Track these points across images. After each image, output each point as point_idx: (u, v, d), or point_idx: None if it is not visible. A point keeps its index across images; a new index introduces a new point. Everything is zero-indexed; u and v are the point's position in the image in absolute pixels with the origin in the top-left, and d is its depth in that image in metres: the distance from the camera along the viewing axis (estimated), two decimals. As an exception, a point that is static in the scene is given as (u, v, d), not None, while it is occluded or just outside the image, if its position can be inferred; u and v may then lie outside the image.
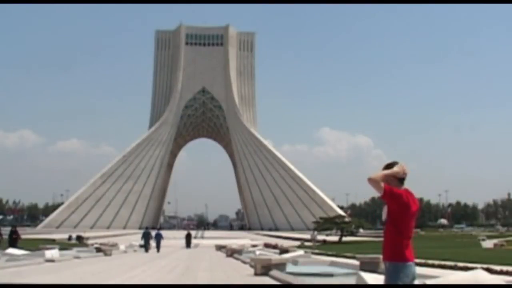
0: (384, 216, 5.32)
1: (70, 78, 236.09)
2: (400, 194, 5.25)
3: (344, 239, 56.69)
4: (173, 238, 55.40)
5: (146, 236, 40.12)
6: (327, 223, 63.17)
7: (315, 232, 52.40)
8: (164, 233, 45.15)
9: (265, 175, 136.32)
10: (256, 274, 16.62)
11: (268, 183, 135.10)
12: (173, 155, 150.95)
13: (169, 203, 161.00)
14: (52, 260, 22.61)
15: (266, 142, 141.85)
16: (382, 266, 16.68)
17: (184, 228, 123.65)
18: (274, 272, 15.92)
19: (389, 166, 5.37)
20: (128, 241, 50.56)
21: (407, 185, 5.54)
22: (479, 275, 9.58)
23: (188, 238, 49.50)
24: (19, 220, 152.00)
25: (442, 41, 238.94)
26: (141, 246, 44.38)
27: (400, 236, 5.22)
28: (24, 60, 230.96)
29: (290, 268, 17.71)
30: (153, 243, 40.81)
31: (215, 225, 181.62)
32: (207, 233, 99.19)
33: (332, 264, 21.02)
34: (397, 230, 5.22)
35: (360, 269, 15.40)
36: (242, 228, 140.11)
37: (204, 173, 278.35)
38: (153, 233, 42.49)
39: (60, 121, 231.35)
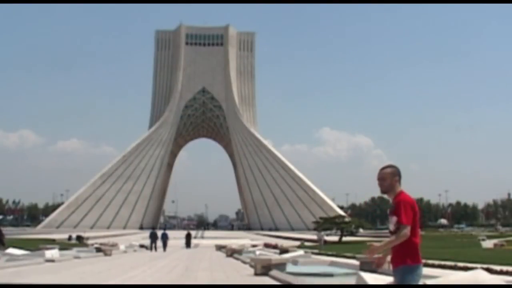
0: (392, 226, 5.52)
1: (70, 78, 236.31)
2: (413, 203, 5.58)
3: (344, 239, 56.69)
4: (173, 238, 55.27)
5: (153, 236, 41.99)
6: (327, 223, 63.19)
7: (322, 232, 50.64)
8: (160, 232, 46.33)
9: (265, 175, 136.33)
10: (256, 274, 16.62)
11: (268, 183, 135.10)
12: (173, 155, 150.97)
13: (173, 201, 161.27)
14: (52, 260, 22.61)
15: (266, 142, 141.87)
16: (382, 266, 16.68)
17: (184, 228, 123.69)
18: (274, 272, 15.92)
19: (383, 169, 5.67)
20: (128, 241, 50.56)
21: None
22: (479, 275, 9.58)
23: (188, 238, 49.59)
24: (19, 220, 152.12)
25: (442, 41, 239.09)
26: (141, 246, 44.62)
27: (416, 238, 5.60)
28: (24, 60, 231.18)
29: (290, 268, 17.71)
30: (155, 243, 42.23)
31: (215, 225, 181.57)
32: (207, 233, 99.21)
33: (332, 264, 21.02)
34: (413, 233, 5.53)
35: (360, 269, 15.39)
36: (247, 228, 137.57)
37: (204, 173, 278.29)
38: (159, 233, 44.16)
39: (60, 121, 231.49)
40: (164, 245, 41.49)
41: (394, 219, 5.47)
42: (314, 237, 62.50)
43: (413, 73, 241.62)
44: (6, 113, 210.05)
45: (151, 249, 41.03)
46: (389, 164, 5.72)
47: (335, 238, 56.95)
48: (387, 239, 5.57)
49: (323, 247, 39.85)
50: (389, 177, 5.58)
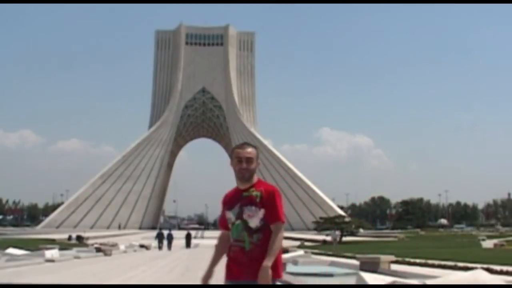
0: (256, 221, 4.22)
1: (70, 78, 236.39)
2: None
3: (344, 239, 56.62)
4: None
5: (159, 236, 45.43)
6: (327, 223, 63.15)
7: (337, 232, 46.42)
8: (165, 233, 48.05)
9: (265, 175, 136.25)
10: (256, 274, 16.57)
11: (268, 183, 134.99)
12: (173, 155, 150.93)
13: (174, 201, 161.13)
14: (52, 260, 22.61)
15: (266, 142, 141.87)
16: (382, 266, 16.68)
17: (184, 228, 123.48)
18: (274, 272, 15.87)
19: (245, 147, 4.40)
20: (128, 241, 50.57)
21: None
22: (479, 275, 9.58)
23: (188, 238, 49.68)
24: (19, 220, 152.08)
25: (442, 41, 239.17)
26: (141, 246, 44.74)
27: None
28: (24, 60, 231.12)
29: (290, 268, 17.71)
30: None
31: (215, 225, 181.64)
32: (207, 233, 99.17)
33: (332, 264, 21.02)
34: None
35: (360, 269, 15.40)
36: None
37: (204, 173, 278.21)
38: (165, 233, 47.17)
39: (60, 121, 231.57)
40: (169, 244, 44.20)
41: (260, 212, 4.19)
42: (315, 237, 62.45)
43: (413, 73, 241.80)
44: (6, 113, 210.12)
45: (158, 248, 43.35)
46: (246, 141, 4.60)
47: (335, 238, 56.88)
48: (273, 248, 4.12)
49: (338, 248, 37.39)
50: (255, 159, 4.36)
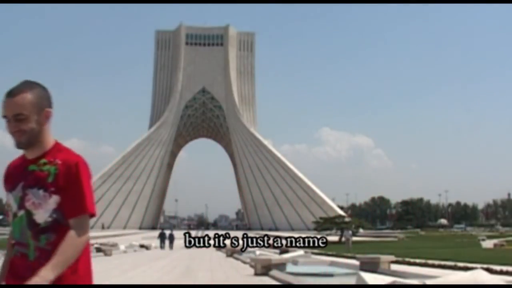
0: (45, 215, 2.57)
1: (70, 78, 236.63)
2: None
3: (344, 239, 56.52)
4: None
5: (162, 236, 47.50)
6: (327, 223, 63.18)
7: (350, 232, 43.66)
8: (167, 233, 49.43)
9: (265, 175, 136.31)
10: (256, 274, 16.62)
11: (268, 183, 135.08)
12: (173, 155, 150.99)
13: (176, 200, 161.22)
14: (52, 260, 22.57)
15: (266, 142, 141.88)
16: (382, 266, 16.68)
17: (187, 227, 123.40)
18: (274, 272, 15.91)
19: (18, 93, 2.66)
20: (128, 241, 50.59)
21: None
22: (479, 275, 9.58)
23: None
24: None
25: (442, 40, 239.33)
26: (141, 246, 44.87)
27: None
28: (24, 59, 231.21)
29: (290, 268, 17.71)
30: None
31: (215, 225, 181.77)
32: (207, 233, 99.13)
33: (332, 264, 21.01)
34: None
35: (360, 269, 15.40)
36: (248, 228, 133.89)
37: (204, 173, 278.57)
38: (167, 233, 48.79)
39: (60, 121, 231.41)
40: (171, 244, 46.14)
41: (52, 199, 2.57)
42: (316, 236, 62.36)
43: (413, 73, 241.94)
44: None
45: (160, 247, 45.08)
46: (19, 85, 2.70)
47: (335, 238, 56.92)
48: (64, 252, 2.51)
49: (351, 249, 34.75)
50: (33, 112, 2.65)
